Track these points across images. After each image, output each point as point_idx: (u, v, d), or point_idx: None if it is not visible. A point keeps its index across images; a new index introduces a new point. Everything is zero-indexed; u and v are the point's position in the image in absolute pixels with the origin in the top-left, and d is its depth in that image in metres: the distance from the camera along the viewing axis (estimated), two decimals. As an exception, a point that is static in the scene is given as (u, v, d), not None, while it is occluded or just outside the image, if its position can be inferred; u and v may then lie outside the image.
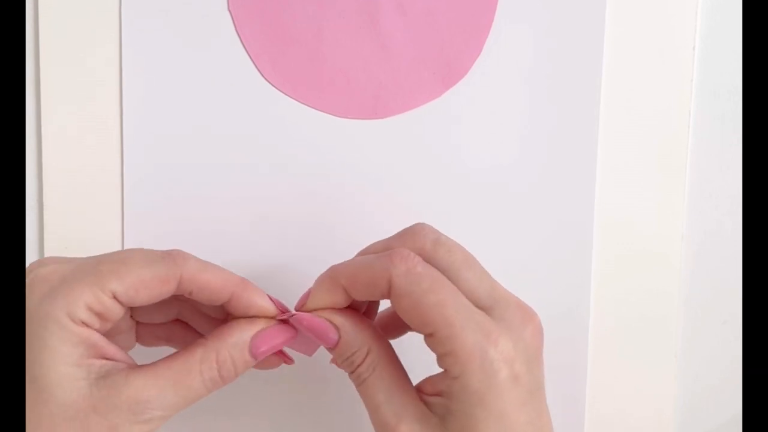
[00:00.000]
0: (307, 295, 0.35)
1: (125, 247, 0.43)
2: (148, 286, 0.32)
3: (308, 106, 0.43)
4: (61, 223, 0.42)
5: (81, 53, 0.42)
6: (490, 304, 0.33)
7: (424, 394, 0.33)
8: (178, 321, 0.38)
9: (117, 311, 0.32)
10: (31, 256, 0.42)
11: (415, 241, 0.34)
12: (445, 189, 0.43)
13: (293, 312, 0.35)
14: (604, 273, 0.44)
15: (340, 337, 0.34)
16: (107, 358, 0.32)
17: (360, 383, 0.34)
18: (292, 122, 0.43)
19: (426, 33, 0.43)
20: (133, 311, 0.36)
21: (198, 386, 0.33)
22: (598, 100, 0.43)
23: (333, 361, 0.35)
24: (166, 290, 0.33)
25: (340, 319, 0.34)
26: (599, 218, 0.43)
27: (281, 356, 0.36)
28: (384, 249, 0.35)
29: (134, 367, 0.33)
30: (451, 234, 0.43)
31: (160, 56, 0.42)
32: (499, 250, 0.44)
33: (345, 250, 0.43)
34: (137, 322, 0.37)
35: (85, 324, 0.31)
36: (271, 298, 0.35)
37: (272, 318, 0.35)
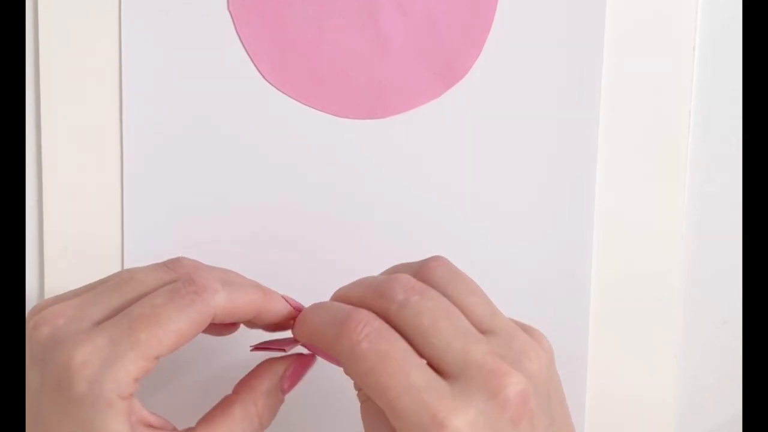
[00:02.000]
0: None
1: (125, 248, 0.42)
2: (186, 336, 0.32)
3: (308, 105, 0.43)
4: (61, 222, 0.42)
5: (81, 53, 0.42)
6: (457, 373, 0.30)
7: None
8: None
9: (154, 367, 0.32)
10: (30, 256, 0.42)
11: (381, 301, 0.32)
12: (445, 189, 0.43)
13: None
14: (603, 272, 0.44)
15: None
16: (152, 426, 0.32)
17: (364, 400, 0.33)
18: (292, 122, 0.43)
19: (426, 33, 0.43)
20: None
21: None
22: (598, 99, 0.43)
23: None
24: (200, 331, 0.32)
25: None
26: (599, 218, 0.43)
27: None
28: (358, 298, 0.33)
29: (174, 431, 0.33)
30: (451, 234, 0.43)
31: (159, 56, 0.42)
32: (499, 250, 0.44)
33: (345, 250, 0.43)
34: None
35: (131, 395, 0.31)
36: (287, 300, 0.35)
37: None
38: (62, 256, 0.42)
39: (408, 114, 0.43)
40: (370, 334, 0.31)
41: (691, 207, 0.44)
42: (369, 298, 0.33)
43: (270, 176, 0.43)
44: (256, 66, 0.42)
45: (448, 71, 0.43)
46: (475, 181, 0.43)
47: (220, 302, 0.32)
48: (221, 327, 0.36)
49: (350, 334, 0.31)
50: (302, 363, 0.35)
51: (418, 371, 0.30)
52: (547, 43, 0.43)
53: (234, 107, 0.42)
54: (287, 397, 0.42)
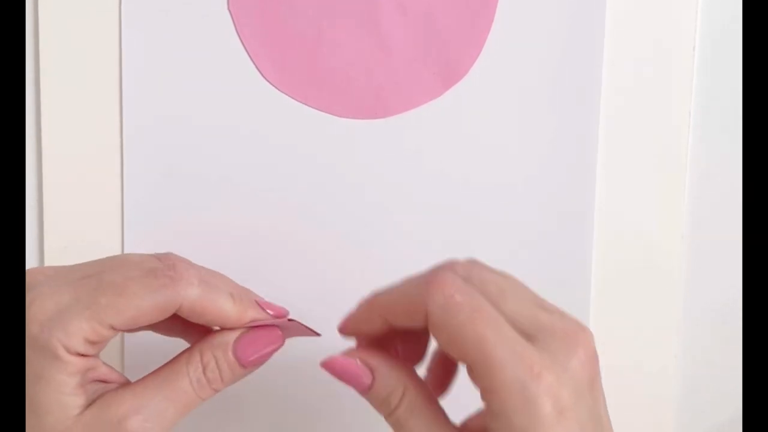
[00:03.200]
0: (348, 321, 0.35)
1: (125, 249, 0.42)
2: (146, 316, 0.32)
3: (308, 105, 0.43)
4: (61, 222, 0.42)
5: (81, 53, 0.42)
6: (534, 333, 0.31)
7: (467, 431, 0.32)
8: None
9: (112, 337, 0.32)
10: (30, 256, 0.42)
11: (455, 267, 0.33)
12: (445, 189, 0.43)
13: (290, 317, 0.34)
14: (604, 272, 0.44)
15: (374, 379, 0.33)
16: (101, 380, 0.32)
17: (398, 427, 0.32)
18: (292, 122, 0.43)
19: (426, 32, 0.42)
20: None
21: (186, 388, 0.32)
22: (599, 99, 0.43)
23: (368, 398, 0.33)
24: (163, 316, 0.32)
25: (374, 361, 0.33)
26: (599, 218, 0.43)
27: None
28: (414, 287, 0.33)
29: (128, 383, 0.32)
30: (451, 234, 0.43)
31: (159, 56, 0.42)
32: (499, 251, 0.43)
33: (344, 250, 0.43)
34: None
35: (80, 354, 0.31)
36: (263, 305, 0.34)
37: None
38: (62, 257, 0.42)
39: (408, 114, 0.43)
40: (461, 288, 0.31)
41: (691, 206, 0.44)
42: (424, 283, 0.32)
43: (270, 176, 0.43)
44: (256, 65, 0.42)
45: (448, 71, 0.43)
46: (475, 181, 0.43)
47: (191, 296, 0.32)
48: (187, 328, 0.35)
49: (443, 288, 0.31)
50: (264, 335, 0.34)
51: (507, 326, 0.31)
52: (547, 44, 0.43)
53: (234, 107, 0.42)
54: (286, 396, 0.42)
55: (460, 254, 0.43)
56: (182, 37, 0.42)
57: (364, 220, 0.43)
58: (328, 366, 0.33)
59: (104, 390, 0.32)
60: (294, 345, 0.42)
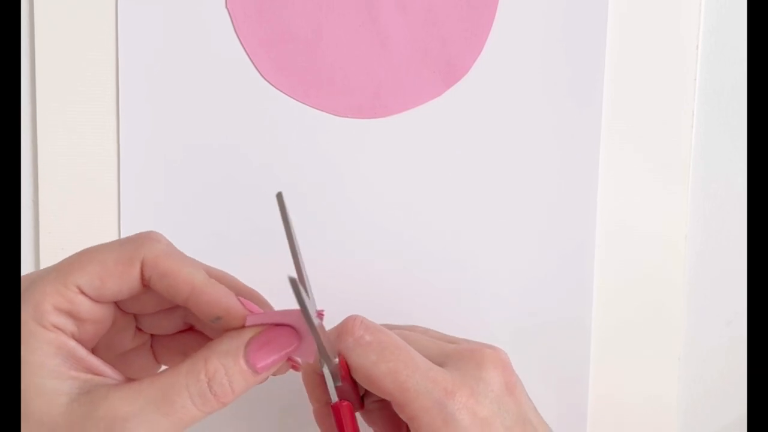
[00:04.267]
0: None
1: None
2: (111, 273, 0.30)
3: (307, 105, 0.42)
4: (57, 222, 0.42)
5: (77, 51, 0.41)
6: (443, 360, 0.34)
7: None
8: (193, 331, 0.35)
9: (90, 308, 0.30)
10: (26, 256, 0.42)
11: (346, 337, 0.34)
12: (446, 189, 0.43)
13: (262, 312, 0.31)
14: (606, 273, 0.43)
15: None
16: (93, 373, 0.30)
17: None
18: (291, 121, 0.42)
19: (426, 31, 0.42)
20: (139, 321, 0.34)
21: (185, 403, 0.29)
22: (601, 99, 0.43)
23: None
24: (131, 275, 0.30)
25: None
26: (602, 218, 0.43)
27: (289, 361, 0.32)
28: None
29: (121, 383, 0.30)
30: (451, 234, 0.43)
31: (157, 54, 0.42)
32: (500, 251, 0.43)
33: (344, 249, 0.43)
34: (151, 338, 0.35)
35: (57, 328, 0.29)
36: (243, 302, 0.31)
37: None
38: (58, 258, 0.42)
39: (408, 113, 0.43)
40: (369, 327, 0.33)
41: (694, 207, 0.44)
42: (336, 333, 0.34)
43: (269, 175, 0.42)
44: (254, 65, 0.42)
45: (448, 70, 0.43)
46: (475, 181, 0.43)
47: (155, 251, 0.30)
48: (160, 314, 0.33)
49: (352, 332, 0.33)
50: (279, 335, 0.30)
51: (418, 356, 0.33)
52: (548, 43, 0.42)
53: (233, 106, 0.42)
54: (286, 396, 0.41)
55: (460, 254, 0.43)
56: (180, 36, 0.42)
57: (364, 220, 0.43)
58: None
59: (97, 384, 0.29)
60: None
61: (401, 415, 0.33)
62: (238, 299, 0.31)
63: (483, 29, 0.43)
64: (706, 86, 0.43)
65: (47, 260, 0.41)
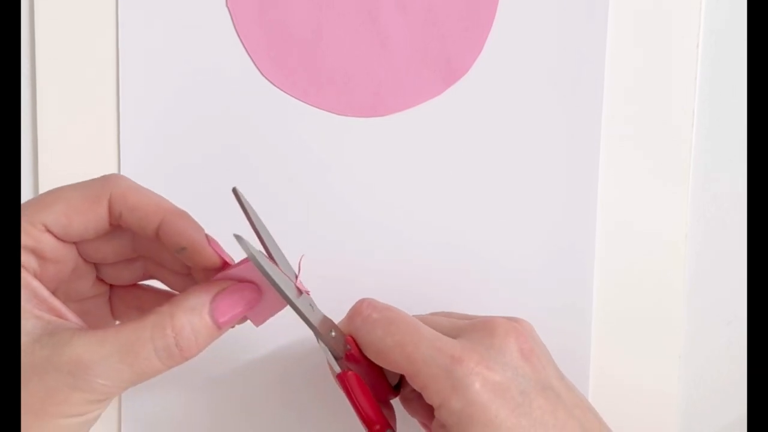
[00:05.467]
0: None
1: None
2: (78, 210, 0.30)
3: (307, 103, 0.42)
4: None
5: (78, 51, 0.41)
6: (456, 334, 0.34)
7: None
8: (151, 290, 0.36)
9: (54, 247, 0.31)
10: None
11: (356, 317, 0.35)
12: (445, 188, 0.43)
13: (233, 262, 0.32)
14: (607, 273, 0.43)
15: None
16: (55, 315, 0.30)
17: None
18: (291, 120, 0.42)
19: (426, 30, 0.42)
20: (99, 271, 0.34)
21: (149, 356, 0.29)
22: (601, 98, 0.43)
23: None
24: (98, 213, 0.31)
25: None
26: (602, 217, 0.43)
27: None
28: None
29: (84, 329, 0.30)
30: (450, 233, 0.43)
31: (157, 53, 0.42)
32: (500, 251, 0.43)
33: (344, 249, 0.43)
34: (110, 290, 0.35)
35: (21, 265, 0.30)
36: (208, 238, 0.32)
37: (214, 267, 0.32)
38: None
39: (408, 112, 0.43)
40: (377, 306, 0.34)
41: (695, 206, 0.44)
42: (347, 318, 0.35)
43: (269, 174, 0.42)
44: (254, 63, 0.42)
45: (448, 69, 0.42)
46: (475, 180, 0.43)
47: (121, 187, 0.31)
48: (120, 264, 0.33)
49: (360, 312, 0.34)
50: (238, 291, 0.31)
51: (426, 329, 0.34)
52: (548, 42, 0.42)
53: (233, 105, 0.42)
54: (285, 396, 0.41)
55: (460, 253, 0.43)
56: (180, 34, 0.42)
57: (364, 219, 0.43)
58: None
59: (58, 327, 0.30)
60: (298, 342, 0.42)
61: (415, 388, 0.33)
62: (205, 235, 0.32)
63: (483, 29, 0.43)
64: (706, 86, 0.43)
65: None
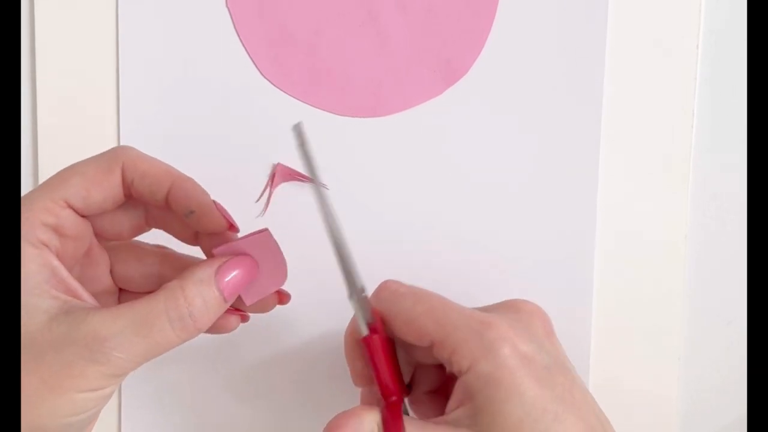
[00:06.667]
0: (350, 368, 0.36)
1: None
2: (95, 181, 0.32)
3: (307, 103, 0.42)
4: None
5: (78, 51, 0.41)
6: (481, 310, 0.35)
7: (448, 415, 0.33)
8: (164, 254, 0.37)
9: (74, 222, 0.32)
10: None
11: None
12: (446, 188, 0.43)
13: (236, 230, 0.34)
14: (606, 273, 0.43)
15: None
16: (72, 295, 0.31)
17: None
18: (291, 120, 0.42)
19: (426, 30, 0.42)
20: (113, 266, 0.35)
21: (163, 327, 0.31)
22: (601, 98, 0.43)
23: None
24: (112, 183, 0.32)
25: (342, 421, 0.33)
26: (601, 218, 0.43)
27: (278, 295, 0.35)
28: None
29: (99, 307, 0.31)
30: (451, 233, 0.43)
31: (157, 53, 0.42)
32: (499, 251, 0.43)
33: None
34: (120, 292, 0.36)
35: (43, 244, 0.31)
36: (215, 204, 0.33)
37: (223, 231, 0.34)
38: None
39: (407, 112, 0.43)
40: (404, 284, 0.35)
41: (695, 207, 0.44)
42: (373, 297, 0.35)
43: (269, 174, 0.42)
44: (254, 63, 0.42)
45: (448, 69, 0.42)
46: (474, 181, 0.43)
47: (131, 156, 0.32)
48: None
49: (388, 287, 0.35)
50: (239, 261, 0.33)
51: (453, 301, 0.34)
52: (548, 42, 0.42)
53: (232, 105, 0.42)
54: (286, 395, 0.41)
55: (460, 254, 0.43)
56: (180, 34, 0.42)
57: (363, 219, 0.43)
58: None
59: (75, 306, 0.31)
60: (301, 340, 0.42)
61: (442, 356, 0.33)
62: (212, 199, 0.33)
63: (483, 29, 0.43)
64: (706, 86, 0.43)
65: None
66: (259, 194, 0.42)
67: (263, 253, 0.34)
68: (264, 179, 0.42)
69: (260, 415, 0.43)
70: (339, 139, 0.42)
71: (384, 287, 0.35)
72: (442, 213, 0.43)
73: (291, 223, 0.43)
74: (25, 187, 0.42)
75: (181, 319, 0.31)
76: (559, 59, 0.42)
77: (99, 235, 0.35)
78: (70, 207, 0.32)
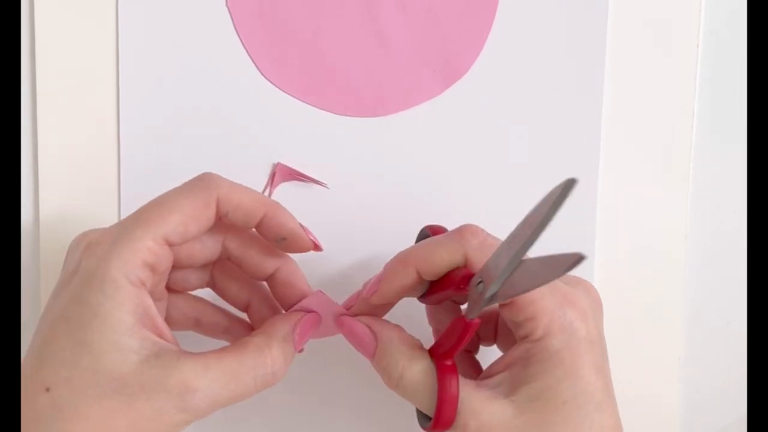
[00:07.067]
0: (377, 280, 0.35)
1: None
2: (193, 217, 0.32)
3: (307, 104, 0.42)
4: (57, 222, 0.42)
5: (78, 50, 0.41)
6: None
7: (487, 377, 0.33)
8: (209, 304, 0.38)
9: (167, 257, 0.32)
10: (26, 256, 0.42)
11: (462, 240, 0.34)
12: (445, 188, 0.43)
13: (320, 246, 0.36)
14: (606, 273, 0.43)
15: (377, 345, 0.34)
16: (160, 336, 0.31)
17: (415, 395, 0.33)
18: (292, 120, 0.42)
19: (426, 30, 0.42)
20: (170, 279, 0.36)
21: (249, 383, 0.32)
22: (601, 98, 0.43)
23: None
24: (208, 215, 0.33)
25: (377, 327, 0.34)
26: (602, 218, 0.43)
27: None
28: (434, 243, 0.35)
29: (186, 352, 0.32)
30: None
31: (157, 53, 0.42)
32: (501, 251, 0.43)
33: (344, 249, 0.43)
34: (169, 293, 0.37)
35: (142, 283, 0.31)
36: (303, 227, 0.35)
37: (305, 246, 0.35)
38: (59, 258, 0.42)
39: (408, 112, 0.43)
40: (490, 235, 0.34)
41: (694, 207, 0.44)
42: (457, 234, 0.34)
43: (269, 174, 0.42)
44: (255, 63, 0.42)
45: (448, 69, 0.42)
46: (475, 180, 0.43)
47: (223, 187, 0.33)
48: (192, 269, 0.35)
49: (477, 234, 0.34)
50: (312, 320, 0.35)
51: None
52: (548, 42, 0.42)
53: (233, 105, 0.42)
54: (285, 396, 0.41)
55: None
56: (180, 34, 0.42)
57: (363, 219, 0.43)
58: (340, 323, 0.35)
59: (164, 348, 0.31)
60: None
61: (517, 317, 0.33)
62: (299, 224, 0.35)
63: (483, 29, 0.43)
64: (706, 86, 0.43)
65: (48, 260, 0.41)
66: (259, 194, 0.42)
67: (320, 307, 0.36)
68: (264, 179, 0.42)
69: (259, 419, 0.44)
70: (339, 139, 0.42)
71: (472, 233, 0.34)
72: (442, 212, 0.43)
73: (291, 223, 0.43)
74: (26, 187, 0.42)
75: (265, 376, 0.32)
76: (559, 59, 0.42)
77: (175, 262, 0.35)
78: (168, 243, 0.32)
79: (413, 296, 0.36)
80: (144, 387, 0.30)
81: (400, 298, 0.35)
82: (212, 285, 0.37)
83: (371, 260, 0.43)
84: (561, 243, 0.43)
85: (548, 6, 0.42)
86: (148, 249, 0.31)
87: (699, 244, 0.44)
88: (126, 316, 0.30)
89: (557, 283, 0.33)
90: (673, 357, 0.44)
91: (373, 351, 0.34)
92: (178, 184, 0.42)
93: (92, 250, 0.31)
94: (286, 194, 0.43)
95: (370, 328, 0.35)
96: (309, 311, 0.36)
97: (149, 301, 0.31)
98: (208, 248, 0.35)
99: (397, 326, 0.35)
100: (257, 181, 0.42)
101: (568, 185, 0.30)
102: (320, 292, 0.36)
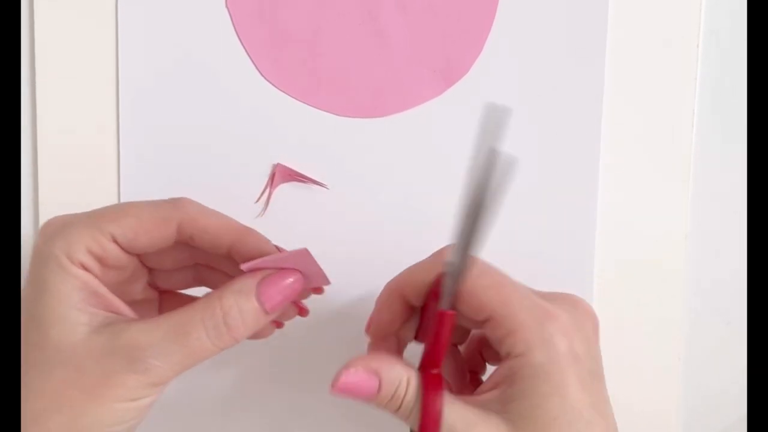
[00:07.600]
0: (372, 315, 0.35)
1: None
2: (147, 230, 0.32)
3: (307, 104, 0.42)
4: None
5: (78, 50, 0.41)
6: (545, 298, 0.34)
7: (478, 396, 0.33)
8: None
9: (117, 256, 0.32)
10: (26, 256, 0.42)
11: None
12: (445, 188, 0.43)
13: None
14: (606, 273, 0.43)
15: (381, 379, 0.32)
16: (113, 311, 0.31)
17: (408, 415, 0.32)
18: (291, 120, 0.42)
19: (426, 30, 0.42)
20: (152, 275, 0.36)
21: (200, 335, 0.31)
22: (601, 98, 0.43)
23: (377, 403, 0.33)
24: (166, 234, 0.32)
25: (375, 363, 0.32)
26: (601, 218, 0.43)
27: (295, 305, 0.35)
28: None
29: (138, 319, 0.32)
30: (450, 234, 0.43)
31: (157, 53, 0.42)
32: (500, 251, 0.43)
33: (344, 249, 0.43)
34: (159, 296, 0.37)
35: (84, 267, 0.31)
36: (278, 248, 0.34)
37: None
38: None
39: (408, 112, 0.43)
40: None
41: (695, 206, 0.44)
42: (440, 255, 0.35)
43: (268, 174, 0.42)
44: (254, 64, 0.42)
45: (448, 69, 0.42)
46: (475, 181, 0.43)
47: (191, 212, 0.33)
48: (174, 270, 0.35)
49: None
50: (286, 275, 0.33)
51: (515, 280, 0.34)
52: (548, 42, 0.42)
53: (232, 105, 0.42)
54: (286, 396, 0.41)
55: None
56: (180, 35, 0.42)
57: (363, 219, 0.43)
58: (338, 389, 0.32)
59: (114, 320, 0.31)
60: (298, 344, 0.42)
61: (496, 334, 0.32)
62: (275, 246, 0.33)
63: (483, 29, 0.42)
64: (706, 86, 0.43)
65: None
66: (259, 194, 0.42)
67: (304, 265, 0.34)
68: (264, 179, 0.42)
69: (256, 423, 0.44)
70: (339, 139, 0.42)
71: (449, 250, 0.34)
72: (442, 213, 0.43)
73: (291, 223, 0.43)
74: (25, 187, 0.42)
75: (216, 328, 0.31)
76: (559, 59, 0.42)
77: (141, 262, 0.35)
78: (116, 243, 0.32)
79: (409, 336, 0.36)
80: (92, 353, 0.30)
81: (395, 327, 0.35)
82: (204, 283, 0.37)
83: (371, 260, 0.43)
84: (561, 243, 0.43)
85: (548, 6, 0.42)
86: (92, 237, 0.31)
87: (699, 244, 0.44)
88: (72, 291, 0.30)
89: (536, 299, 0.33)
90: (674, 357, 0.44)
91: (375, 390, 0.32)
92: (177, 184, 0.42)
93: (44, 231, 0.32)
94: (285, 195, 0.43)
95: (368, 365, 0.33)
96: (288, 268, 0.33)
97: (94, 282, 0.31)
98: (173, 258, 0.35)
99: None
100: (257, 182, 0.42)
101: (491, 157, 0.31)
102: (305, 250, 0.33)
